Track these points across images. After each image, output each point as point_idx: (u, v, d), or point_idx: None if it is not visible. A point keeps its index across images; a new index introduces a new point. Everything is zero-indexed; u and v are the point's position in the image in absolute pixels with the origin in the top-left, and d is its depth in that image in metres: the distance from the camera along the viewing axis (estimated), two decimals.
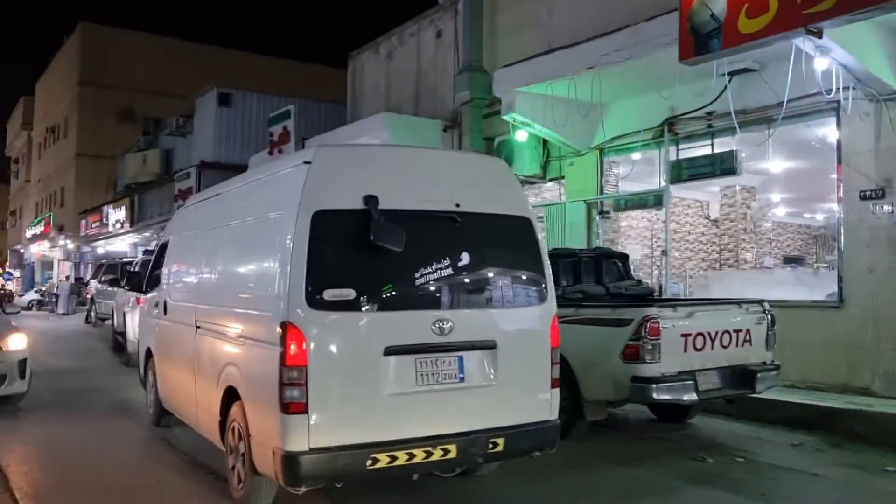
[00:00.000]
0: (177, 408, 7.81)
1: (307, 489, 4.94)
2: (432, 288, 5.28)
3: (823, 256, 20.42)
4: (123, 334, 15.84)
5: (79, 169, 44.63)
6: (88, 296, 28.17)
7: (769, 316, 7.91)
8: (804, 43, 8.52)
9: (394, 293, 5.22)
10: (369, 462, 4.89)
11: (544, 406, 5.64)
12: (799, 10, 7.79)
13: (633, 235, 16.85)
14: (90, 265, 42.22)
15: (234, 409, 5.68)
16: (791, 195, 18.26)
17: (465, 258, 5.44)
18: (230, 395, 5.78)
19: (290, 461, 4.79)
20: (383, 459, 4.91)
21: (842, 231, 9.83)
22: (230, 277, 6.41)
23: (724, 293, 11.35)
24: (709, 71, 9.97)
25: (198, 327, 6.81)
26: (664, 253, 12.41)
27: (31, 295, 37.46)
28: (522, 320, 5.70)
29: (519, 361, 5.53)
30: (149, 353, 8.91)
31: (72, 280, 36.50)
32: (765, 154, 12.43)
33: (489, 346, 5.39)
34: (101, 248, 39.52)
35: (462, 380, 5.28)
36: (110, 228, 34.26)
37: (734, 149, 11.21)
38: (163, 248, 8.98)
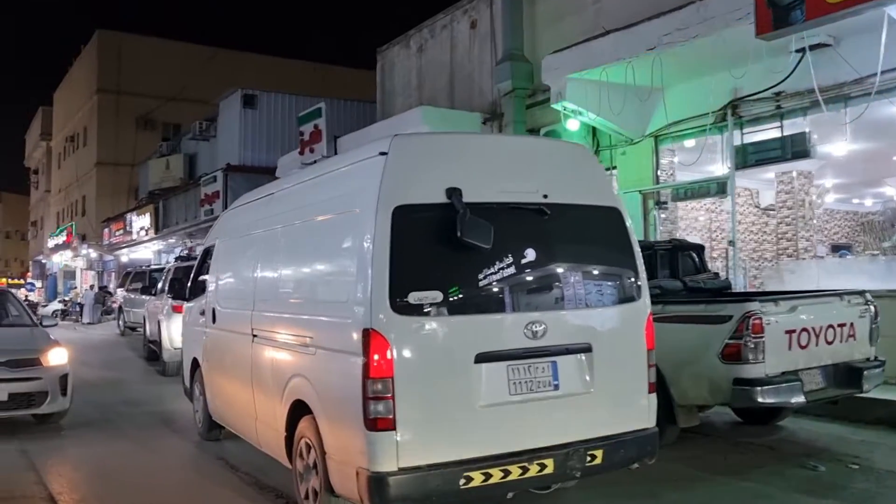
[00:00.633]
0: (231, 421, 7.42)
1: None
2: (522, 287, 4.90)
3: (874, 244, 19.56)
4: (157, 343, 15.49)
5: (99, 177, 44.51)
6: (115, 305, 27.87)
7: (872, 308, 7.26)
8: None
9: (482, 294, 4.77)
10: (462, 481, 4.48)
11: (642, 413, 5.21)
12: None
13: (685, 227, 16.14)
14: (113, 274, 42.13)
15: (303, 425, 5.28)
16: (844, 180, 17.50)
17: (555, 253, 5.06)
18: (297, 409, 5.38)
19: (377, 483, 4.39)
20: (477, 478, 4.51)
21: None
22: (295, 282, 6.03)
23: (800, 285, 10.66)
24: (779, 48, 9.35)
25: (254, 336, 6.45)
26: (731, 243, 11.78)
27: (55, 305, 37.21)
28: (617, 320, 5.26)
29: (615, 365, 5.10)
30: (195, 364, 8.55)
31: (96, 289, 36.28)
32: (830, 136, 11.80)
33: (584, 349, 4.97)
34: (125, 256, 39.24)
35: (556, 387, 4.85)
36: (134, 236, 33.92)
37: (806, 130, 10.52)
38: (206, 253, 8.67)
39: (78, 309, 33.41)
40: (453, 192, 4.67)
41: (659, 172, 12.49)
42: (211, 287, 8.10)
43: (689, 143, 12.39)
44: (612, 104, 11.57)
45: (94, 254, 44.20)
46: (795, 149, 10.57)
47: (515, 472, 4.60)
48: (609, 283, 5.31)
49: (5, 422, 8.75)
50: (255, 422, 6.39)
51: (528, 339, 4.75)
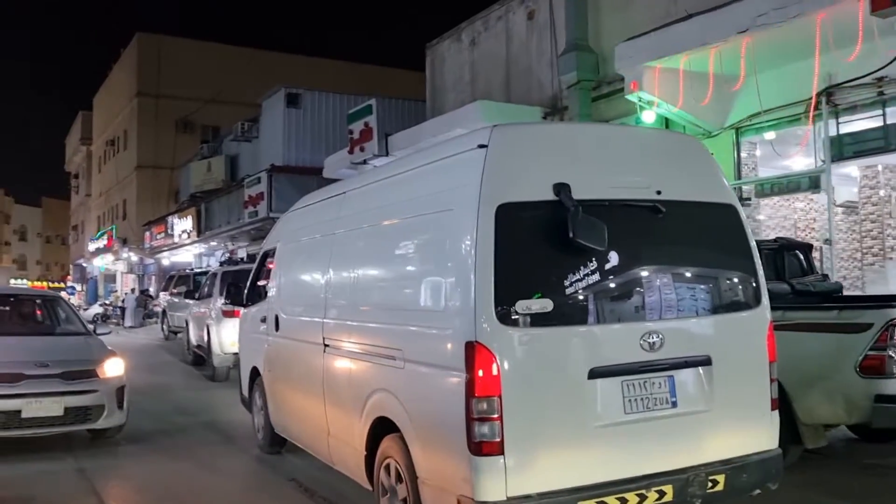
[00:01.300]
0: (298, 436, 6.97)
1: None
2: (636, 294, 4.45)
3: None
4: (202, 347, 15.05)
5: (140, 180, 44.55)
6: (158, 308, 27.59)
7: None
8: None
9: (594, 302, 4.32)
10: None
11: (765, 432, 4.73)
12: None
13: (774, 226, 15.20)
14: (153, 277, 42.06)
15: (388, 444, 4.88)
16: None
17: (669, 255, 4.64)
18: (380, 426, 4.97)
19: None
20: None
21: None
22: (378, 288, 5.53)
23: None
24: (886, 28, 8.48)
25: (326, 345, 5.98)
26: (828, 242, 10.89)
27: (95, 308, 37.17)
28: (737, 329, 4.76)
29: (735, 379, 4.63)
30: (255, 372, 8.09)
31: (137, 293, 36.14)
32: None
33: (703, 362, 4.51)
34: (165, 259, 39.10)
35: (674, 405, 4.42)
36: (176, 239, 33.62)
37: None
38: (265, 256, 8.23)
39: (119, 312, 33.31)
40: (562, 188, 4.24)
41: (741, 167, 11.63)
42: (273, 293, 7.64)
43: (770, 135, 11.57)
44: (695, 94, 10.77)
45: (134, 257, 44.25)
46: None
47: (633, 500, 4.18)
48: (727, 289, 4.88)
49: (60, 437, 8.28)
50: (328, 437, 5.97)
51: (645, 351, 4.32)
